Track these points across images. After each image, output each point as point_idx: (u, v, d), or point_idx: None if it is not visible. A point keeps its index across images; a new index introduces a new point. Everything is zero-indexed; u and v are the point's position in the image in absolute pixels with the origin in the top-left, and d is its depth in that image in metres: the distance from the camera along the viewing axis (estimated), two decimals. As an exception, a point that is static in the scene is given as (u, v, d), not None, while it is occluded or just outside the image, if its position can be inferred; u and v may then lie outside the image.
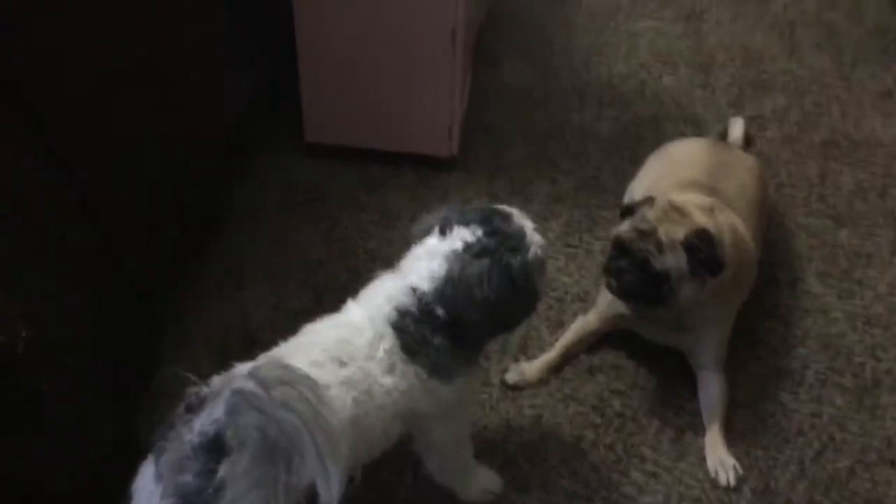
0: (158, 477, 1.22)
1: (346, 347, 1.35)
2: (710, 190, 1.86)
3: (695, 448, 1.75)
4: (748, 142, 2.27)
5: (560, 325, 1.96)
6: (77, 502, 1.61)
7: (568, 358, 1.88)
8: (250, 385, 1.13)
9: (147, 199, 1.68)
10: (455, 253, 1.39)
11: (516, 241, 1.40)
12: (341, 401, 1.31)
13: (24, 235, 1.36)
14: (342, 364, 1.33)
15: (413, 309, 1.38)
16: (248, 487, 1.17)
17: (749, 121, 2.48)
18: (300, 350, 1.37)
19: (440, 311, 1.38)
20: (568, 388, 1.85)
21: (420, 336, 1.38)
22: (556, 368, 1.87)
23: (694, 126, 2.46)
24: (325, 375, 1.31)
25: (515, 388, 1.84)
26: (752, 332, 1.94)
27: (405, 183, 2.27)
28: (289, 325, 1.42)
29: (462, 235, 1.41)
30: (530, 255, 1.41)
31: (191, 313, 1.94)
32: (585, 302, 2.01)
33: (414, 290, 1.40)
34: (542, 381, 1.85)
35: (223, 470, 1.16)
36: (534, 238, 1.43)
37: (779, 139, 2.43)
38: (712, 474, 1.70)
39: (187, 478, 1.17)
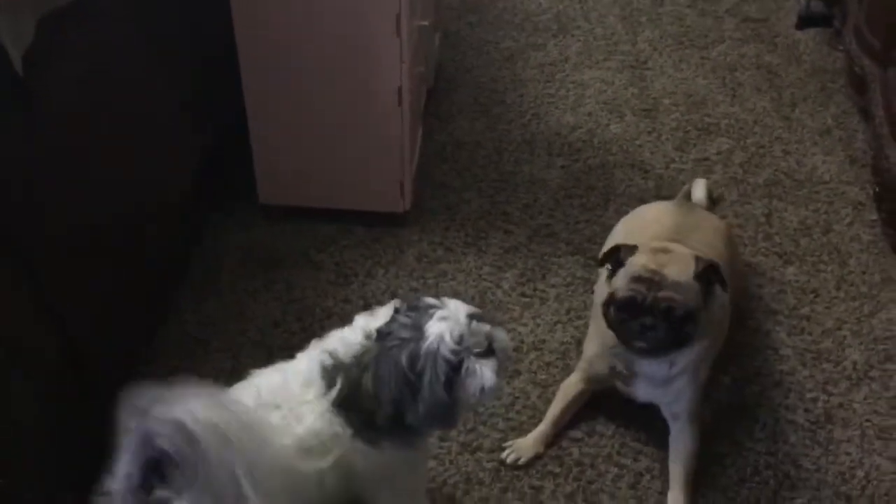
0: None
1: (281, 392, 1.39)
2: (676, 244, 1.84)
3: (653, 492, 1.76)
4: (714, 202, 2.27)
5: (517, 375, 1.98)
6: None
7: (559, 427, 1.85)
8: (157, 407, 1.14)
9: (98, 278, 1.68)
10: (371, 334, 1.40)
11: (411, 331, 1.33)
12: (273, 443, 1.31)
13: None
14: (276, 407, 1.36)
15: (342, 360, 1.40)
16: None
17: (694, 164, 2.54)
18: (240, 393, 1.40)
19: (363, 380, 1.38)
20: (526, 438, 1.86)
21: (343, 390, 1.39)
22: (550, 440, 1.84)
23: (641, 171, 2.52)
24: (260, 418, 1.32)
25: (517, 467, 1.80)
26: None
27: (359, 240, 2.30)
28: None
29: (385, 316, 1.41)
30: (425, 346, 1.32)
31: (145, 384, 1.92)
32: (541, 351, 2.04)
33: (347, 342, 1.43)
34: (538, 455, 1.82)
35: None
36: (434, 328, 1.32)
37: (724, 181, 2.49)
38: None
39: None
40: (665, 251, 1.73)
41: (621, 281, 1.69)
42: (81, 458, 1.62)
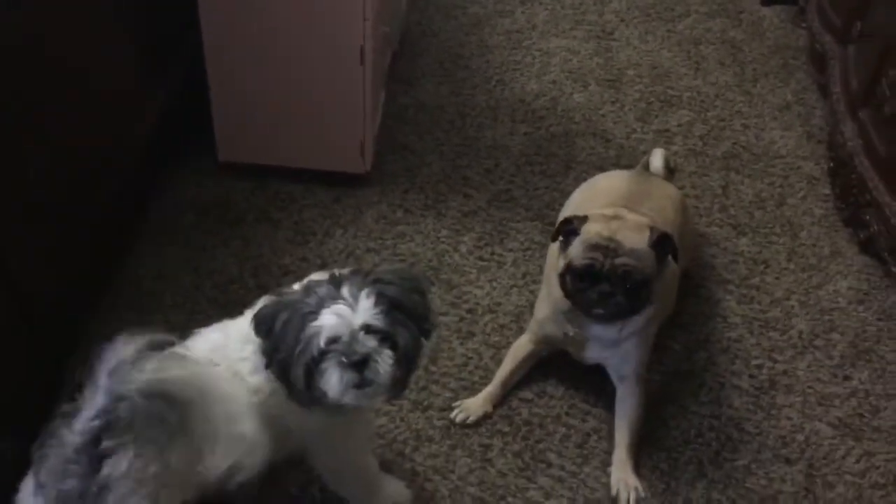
0: (38, 487, 1.21)
1: (219, 351, 1.40)
2: (628, 211, 1.86)
3: (599, 451, 1.80)
4: (671, 171, 2.26)
5: (470, 336, 2.00)
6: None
7: (508, 387, 1.88)
8: (124, 364, 1.15)
9: (52, 222, 1.67)
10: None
11: (308, 310, 1.30)
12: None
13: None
14: (215, 366, 1.38)
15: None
16: (134, 484, 1.18)
17: (655, 135, 2.56)
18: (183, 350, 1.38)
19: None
20: (478, 398, 1.88)
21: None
22: (499, 400, 1.86)
23: (603, 140, 2.54)
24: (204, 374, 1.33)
25: (465, 425, 1.82)
26: (655, 337, 1.99)
27: (319, 200, 2.29)
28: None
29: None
30: (305, 330, 1.29)
31: (101, 334, 1.91)
32: (495, 314, 2.05)
33: None
34: (487, 415, 1.84)
35: (107, 468, 1.16)
36: (322, 319, 1.28)
37: (683, 152, 2.52)
38: (613, 492, 1.71)
39: (70, 482, 1.17)
40: (618, 218, 1.75)
41: (577, 249, 1.70)
42: (26, 405, 1.62)
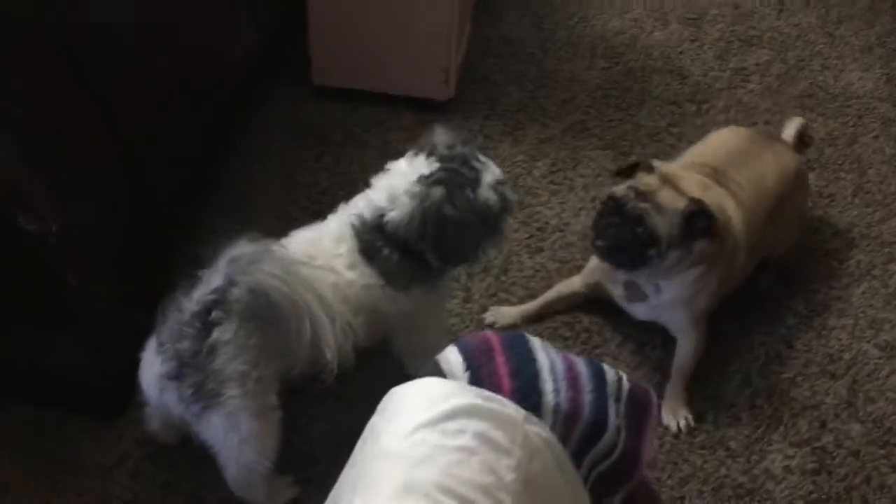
0: (160, 346, 1.43)
1: (315, 246, 1.59)
2: (716, 173, 1.86)
3: (653, 359, 1.93)
4: (804, 143, 2.14)
5: (539, 252, 2.14)
6: (101, 388, 1.83)
7: (544, 312, 1.99)
8: (244, 257, 1.34)
9: (164, 119, 1.88)
10: (410, 182, 1.57)
11: (466, 180, 1.55)
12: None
13: (57, 142, 1.56)
14: (312, 258, 1.56)
15: (368, 219, 1.59)
16: (237, 350, 1.38)
17: (732, 73, 2.62)
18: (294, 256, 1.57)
19: (389, 228, 1.56)
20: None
21: (372, 244, 1.57)
22: (531, 319, 1.98)
23: (679, 77, 2.61)
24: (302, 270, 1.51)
25: (491, 327, 1.97)
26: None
27: (404, 123, 2.45)
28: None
29: (422, 165, 1.58)
30: (479, 195, 1.54)
31: (204, 231, 2.14)
32: (563, 232, 2.19)
33: (373, 203, 1.60)
34: (514, 326, 1.96)
35: (216, 334, 1.37)
36: (487, 179, 1.55)
37: (759, 91, 2.57)
38: (664, 421, 1.80)
39: (186, 342, 1.38)
40: (676, 182, 1.75)
41: (621, 185, 1.79)
42: (145, 283, 1.85)
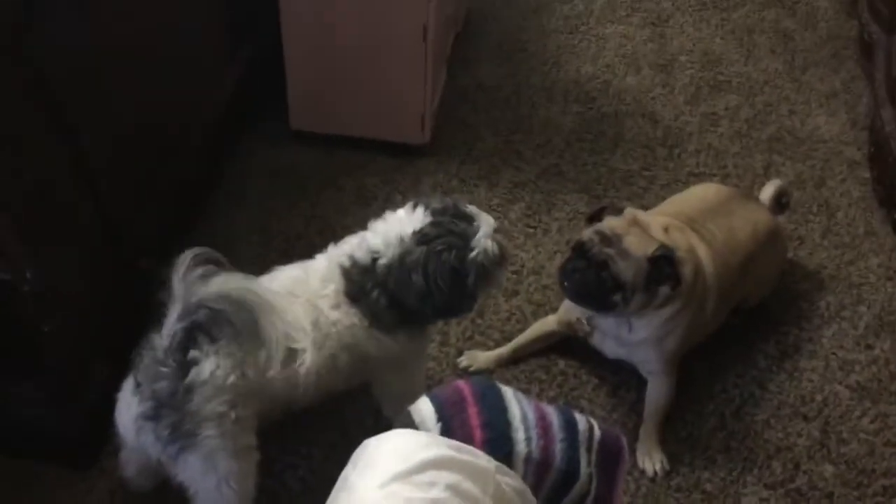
0: (136, 386, 1.42)
1: (300, 285, 1.58)
2: (690, 221, 1.90)
3: (628, 401, 1.95)
4: (780, 206, 2.18)
5: (515, 295, 2.16)
6: (73, 438, 1.81)
7: (519, 356, 2.01)
8: (193, 275, 1.34)
9: (139, 170, 1.89)
10: (404, 236, 1.58)
11: (459, 240, 1.56)
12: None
13: (30, 189, 1.56)
14: (294, 297, 1.55)
15: (360, 261, 1.59)
16: (215, 390, 1.38)
17: (702, 117, 2.68)
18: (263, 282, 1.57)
19: (378, 271, 1.58)
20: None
21: (361, 286, 1.58)
22: (506, 363, 2.00)
23: (651, 121, 2.67)
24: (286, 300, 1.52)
25: (466, 370, 1.98)
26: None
27: (381, 168, 2.48)
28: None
29: (419, 219, 1.60)
30: (472, 255, 1.55)
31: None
32: (539, 275, 2.21)
33: (368, 245, 1.61)
34: (489, 371, 1.98)
35: (192, 373, 1.37)
36: (482, 243, 1.56)
37: (729, 134, 2.63)
38: (640, 464, 1.82)
39: (161, 383, 1.38)
40: (643, 226, 1.79)
41: (588, 230, 1.82)
42: (116, 332, 1.84)
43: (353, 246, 1.65)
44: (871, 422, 1.90)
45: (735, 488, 1.80)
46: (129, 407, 1.45)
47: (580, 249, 1.78)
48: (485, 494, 0.99)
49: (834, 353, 2.04)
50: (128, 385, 1.48)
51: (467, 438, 1.05)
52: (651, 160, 2.54)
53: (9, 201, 1.49)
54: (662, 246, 1.74)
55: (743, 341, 2.07)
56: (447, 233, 1.56)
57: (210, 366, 1.41)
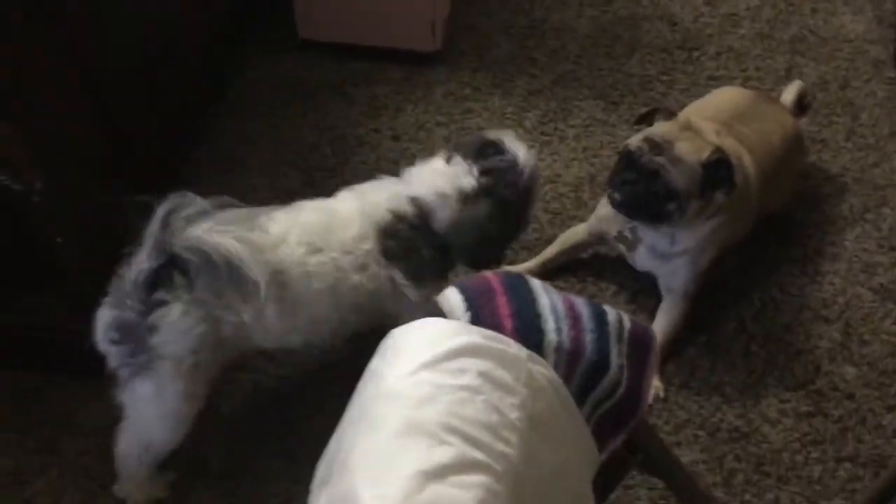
0: (109, 304, 1.40)
1: (323, 236, 1.46)
2: (727, 127, 1.84)
3: (648, 307, 1.93)
4: (802, 108, 2.13)
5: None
6: (85, 351, 1.81)
7: (547, 268, 1.94)
8: (177, 217, 1.30)
9: (144, 79, 1.84)
10: (461, 188, 1.51)
11: (511, 175, 1.53)
12: (304, 283, 1.44)
13: (37, 102, 1.52)
14: (317, 250, 1.45)
15: (410, 217, 1.50)
16: (179, 336, 1.35)
17: (722, 19, 2.59)
18: (281, 224, 1.47)
19: (436, 227, 1.51)
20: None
21: (409, 243, 1.49)
22: (534, 276, 1.97)
23: (669, 24, 2.58)
24: (295, 255, 1.44)
25: None
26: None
27: (391, 77, 2.42)
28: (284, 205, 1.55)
29: (464, 170, 1.52)
30: (524, 183, 1.53)
31: (189, 189, 2.10)
32: (556, 183, 2.17)
33: (415, 199, 1.52)
34: None
35: (156, 315, 1.33)
36: (527, 163, 1.54)
37: (750, 36, 2.54)
38: None
39: (127, 313, 1.35)
40: (695, 130, 1.72)
41: (637, 136, 1.74)
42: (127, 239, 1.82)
43: (391, 198, 1.52)
44: (894, 323, 1.88)
45: (755, 391, 1.80)
46: (101, 318, 1.42)
47: (629, 159, 1.71)
48: (517, 382, 0.97)
49: (857, 256, 2.00)
50: (105, 307, 1.43)
51: (497, 327, 1.03)
52: (669, 64, 2.46)
53: (17, 112, 1.45)
54: (717, 149, 1.67)
55: (764, 246, 2.03)
56: (500, 177, 1.52)
57: (178, 310, 1.36)
